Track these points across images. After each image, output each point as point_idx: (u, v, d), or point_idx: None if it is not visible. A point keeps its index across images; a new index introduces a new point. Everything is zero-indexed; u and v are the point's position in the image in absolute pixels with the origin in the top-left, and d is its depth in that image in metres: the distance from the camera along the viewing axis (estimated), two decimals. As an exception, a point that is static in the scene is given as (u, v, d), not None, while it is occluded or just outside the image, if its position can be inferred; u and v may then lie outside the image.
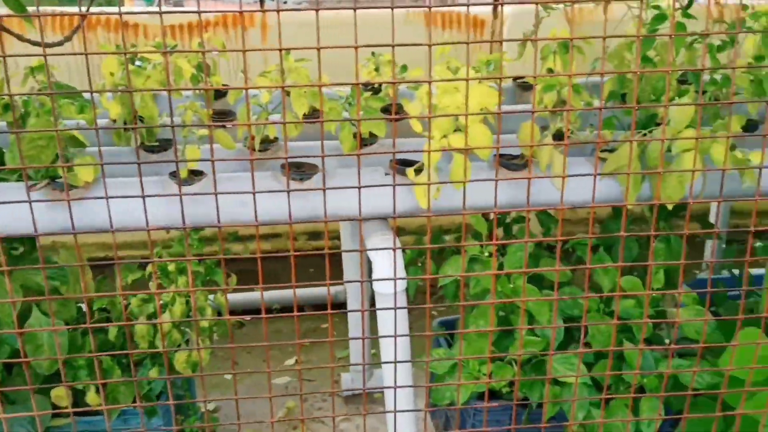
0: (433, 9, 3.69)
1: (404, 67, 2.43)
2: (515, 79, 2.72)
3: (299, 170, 1.92)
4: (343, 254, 2.83)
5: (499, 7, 3.68)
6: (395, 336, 1.40)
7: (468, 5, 1.54)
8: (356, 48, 1.21)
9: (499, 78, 1.51)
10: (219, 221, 1.50)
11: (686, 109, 1.84)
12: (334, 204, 1.87)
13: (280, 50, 1.23)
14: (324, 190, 1.32)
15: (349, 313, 2.74)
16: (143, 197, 1.26)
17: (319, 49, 1.18)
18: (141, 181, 1.27)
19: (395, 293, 1.78)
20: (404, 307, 1.66)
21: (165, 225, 1.84)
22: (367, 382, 2.78)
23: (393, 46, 1.22)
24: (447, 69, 2.10)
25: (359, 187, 1.30)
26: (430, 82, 1.36)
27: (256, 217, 1.38)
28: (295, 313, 1.43)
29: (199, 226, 1.89)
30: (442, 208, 1.89)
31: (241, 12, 1.20)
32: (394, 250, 1.83)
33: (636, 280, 1.93)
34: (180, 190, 1.29)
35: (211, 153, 1.31)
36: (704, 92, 2.29)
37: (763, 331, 1.81)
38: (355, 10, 1.20)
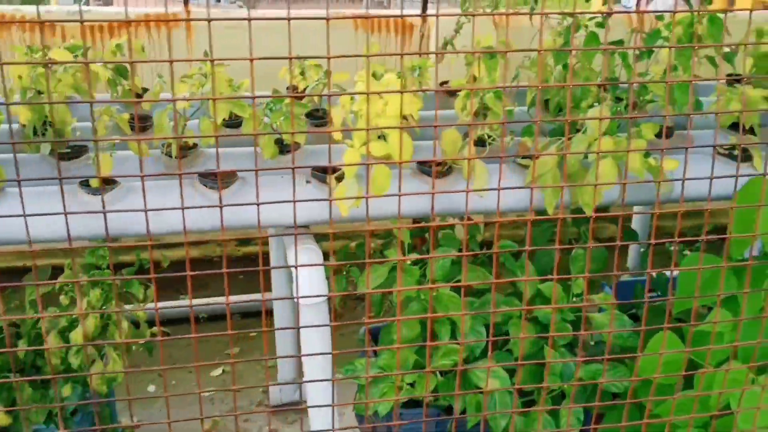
0: (358, 14, 3.67)
1: (327, 72, 2.40)
2: (442, 84, 2.72)
3: (216, 178, 1.86)
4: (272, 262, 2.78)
5: (428, 10, 3.69)
6: (315, 354, 1.38)
7: (401, 16, 1.53)
8: (290, 59, 1.15)
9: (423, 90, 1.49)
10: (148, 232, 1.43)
11: (603, 116, 1.87)
12: (251, 212, 1.83)
13: (212, 61, 1.17)
14: (258, 205, 1.27)
15: (276, 323, 2.69)
16: (65, 214, 1.18)
17: (252, 60, 1.11)
18: (63, 197, 1.18)
19: (315, 304, 1.75)
20: (323, 324, 1.63)
21: (79, 236, 1.77)
22: (294, 394, 2.74)
23: (329, 58, 1.18)
24: (372, 75, 2.09)
25: (294, 201, 1.26)
26: (368, 94, 1.34)
27: (185, 228, 1.32)
28: (229, 332, 1.37)
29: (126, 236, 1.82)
30: (364, 217, 1.87)
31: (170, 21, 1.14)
32: (319, 264, 1.80)
33: (556, 287, 1.95)
34: (102, 203, 1.23)
35: (141, 167, 1.26)
36: (621, 99, 2.34)
37: (673, 329, 1.86)
38: (288, 20, 1.15)
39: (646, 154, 1.96)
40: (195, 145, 2.08)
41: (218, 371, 2.98)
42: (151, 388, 2.87)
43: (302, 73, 2.59)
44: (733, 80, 2.58)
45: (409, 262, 1.91)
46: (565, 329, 1.94)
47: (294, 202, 1.24)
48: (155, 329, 2.30)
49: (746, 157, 2.13)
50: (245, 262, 3.78)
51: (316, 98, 2.46)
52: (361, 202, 1.86)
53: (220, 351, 3.08)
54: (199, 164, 2.01)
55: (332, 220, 1.42)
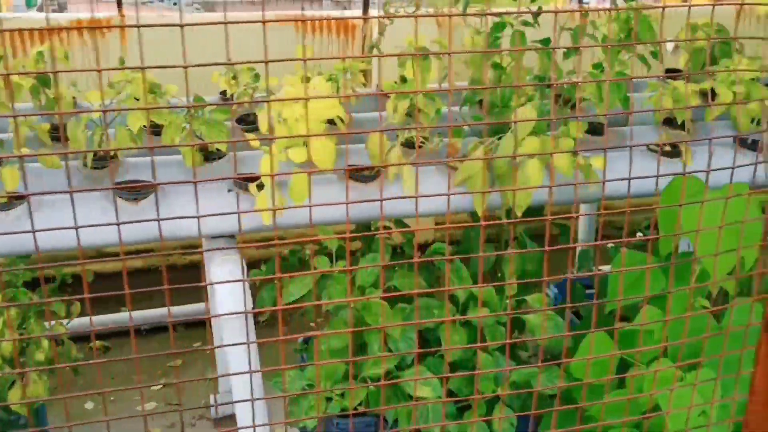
0: (299, 15, 3.61)
1: (257, 76, 2.35)
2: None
3: (134, 190, 1.80)
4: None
5: (369, 11, 3.65)
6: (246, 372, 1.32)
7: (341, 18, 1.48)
8: (232, 64, 1.09)
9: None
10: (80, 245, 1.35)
11: (529, 116, 1.85)
12: (173, 224, 1.77)
13: (142, 69, 1.09)
14: (198, 218, 1.21)
15: (214, 332, 2.62)
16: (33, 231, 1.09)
17: (186, 68, 1.04)
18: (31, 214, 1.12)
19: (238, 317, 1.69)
20: (242, 343, 1.58)
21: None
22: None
23: (266, 62, 1.11)
24: (300, 78, 2.04)
25: (238, 213, 1.20)
26: (306, 99, 1.29)
27: (121, 240, 1.25)
28: (173, 351, 1.30)
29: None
30: (289, 224, 1.83)
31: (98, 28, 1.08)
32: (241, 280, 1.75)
33: (489, 290, 1.92)
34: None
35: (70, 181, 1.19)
36: (560, 96, 2.32)
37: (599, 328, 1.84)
38: (225, 24, 1.07)
39: (573, 153, 1.95)
40: (115, 156, 2.02)
41: (159, 385, 2.90)
42: (89, 405, 2.78)
43: (234, 78, 2.53)
44: (672, 76, 2.59)
45: (337, 270, 1.87)
46: (498, 332, 1.91)
47: (198, 217, 1.18)
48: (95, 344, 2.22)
49: (676, 153, 2.13)
50: (191, 270, 3.70)
51: (247, 104, 2.40)
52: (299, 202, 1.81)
53: (162, 363, 3.00)
54: (119, 175, 1.95)
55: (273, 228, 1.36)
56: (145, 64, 1.04)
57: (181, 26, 1.06)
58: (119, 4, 3.45)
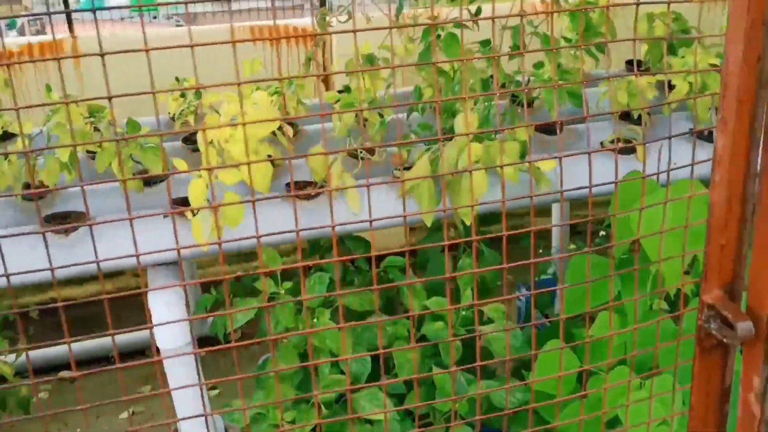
0: (259, 24, 3.55)
1: (198, 94, 2.28)
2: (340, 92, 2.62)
3: (65, 221, 1.73)
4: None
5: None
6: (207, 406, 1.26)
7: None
8: (153, 93, 1.02)
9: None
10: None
11: (471, 121, 1.79)
12: (107, 252, 1.71)
13: (65, 103, 1.02)
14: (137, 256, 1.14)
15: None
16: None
17: (110, 99, 0.96)
18: None
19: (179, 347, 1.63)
20: (187, 385, 1.51)
21: None
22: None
23: (239, 85, 1.04)
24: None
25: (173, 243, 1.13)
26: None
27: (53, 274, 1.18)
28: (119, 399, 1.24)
29: None
30: (230, 248, 1.76)
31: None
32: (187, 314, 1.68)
33: (443, 301, 1.86)
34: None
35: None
36: (517, 97, 2.26)
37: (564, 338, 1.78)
38: (192, 47, 1.00)
39: (522, 156, 1.89)
40: (46, 186, 1.95)
41: (126, 414, 2.84)
42: (55, 438, 2.72)
43: (183, 96, 2.47)
44: (633, 68, 2.53)
45: (283, 292, 1.80)
46: (455, 347, 1.85)
47: (136, 255, 1.12)
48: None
49: (630, 150, 2.07)
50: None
51: (192, 123, 2.33)
52: (222, 231, 1.75)
53: (130, 389, 2.93)
54: (56, 205, 1.88)
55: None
56: (95, 83, 0.97)
57: (101, 55, 0.99)
58: (69, 23, 3.39)
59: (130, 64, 1.49)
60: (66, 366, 2.92)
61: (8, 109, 0.89)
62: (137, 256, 1.08)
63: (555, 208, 2.91)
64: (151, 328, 1.16)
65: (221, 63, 1.83)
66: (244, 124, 1.14)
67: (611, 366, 1.77)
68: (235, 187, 1.67)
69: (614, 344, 1.78)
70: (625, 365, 1.71)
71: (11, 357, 1.99)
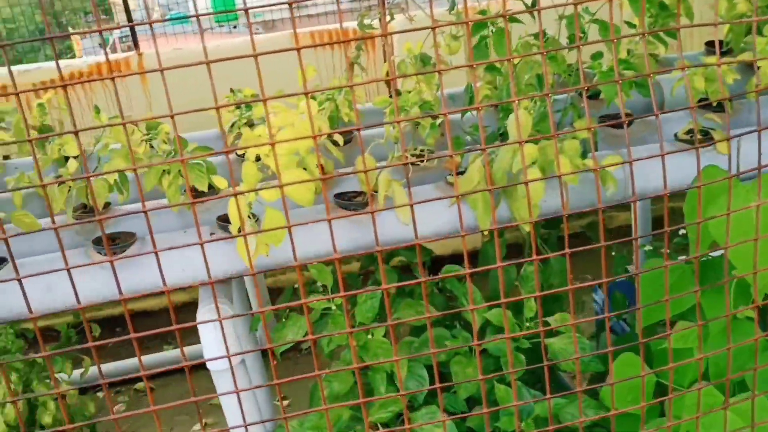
0: (319, 28, 3.51)
1: (249, 107, 2.25)
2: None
3: (114, 242, 1.72)
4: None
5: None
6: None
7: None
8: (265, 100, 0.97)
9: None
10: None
11: (524, 121, 1.66)
12: (154, 273, 1.69)
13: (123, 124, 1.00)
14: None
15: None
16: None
17: (172, 116, 0.93)
18: None
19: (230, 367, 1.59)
20: (231, 391, 1.47)
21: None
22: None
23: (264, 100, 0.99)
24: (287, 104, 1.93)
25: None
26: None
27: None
28: (194, 399, 1.23)
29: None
30: (274, 264, 1.71)
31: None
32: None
33: (505, 313, 1.75)
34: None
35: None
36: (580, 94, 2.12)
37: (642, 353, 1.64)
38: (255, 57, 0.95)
39: (583, 155, 1.75)
40: (107, 205, 1.96)
41: (198, 425, 2.85)
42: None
43: (238, 107, 2.45)
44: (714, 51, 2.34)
45: (334, 307, 1.74)
46: (517, 360, 1.73)
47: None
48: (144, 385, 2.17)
49: (707, 141, 1.89)
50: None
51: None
52: (269, 248, 1.70)
53: (205, 400, 2.95)
54: (108, 226, 1.88)
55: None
56: (162, 99, 0.94)
57: (207, 63, 0.93)
58: (135, 41, 3.44)
59: (197, 77, 1.51)
60: (132, 380, 2.96)
61: (63, 133, 0.86)
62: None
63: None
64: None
65: (280, 71, 1.78)
66: (273, 144, 1.07)
67: (691, 381, 1.61)
68: (278, 202, 1.61)
69: (694, 357, 1.62)
70: (707, 380, 1.55)
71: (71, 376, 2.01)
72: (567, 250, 1.07)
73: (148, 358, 3.08)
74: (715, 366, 1.63)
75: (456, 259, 2.98)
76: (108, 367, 2.91)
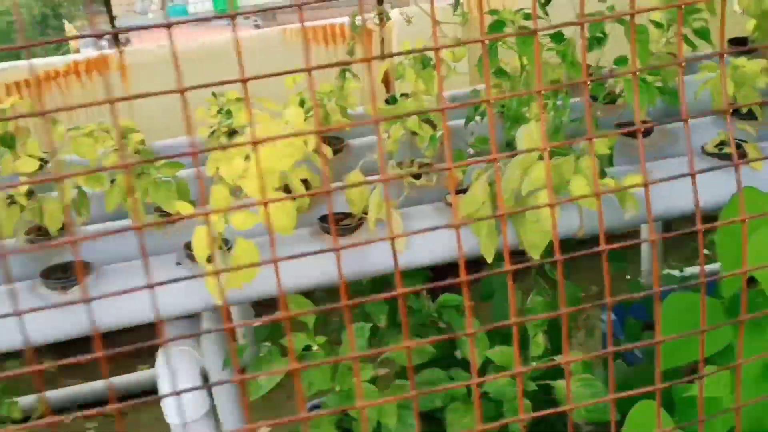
0: (311, 23, 3.29)
1: (230, 112, 2.04)
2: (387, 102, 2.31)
3: (65, 275, 1.52)
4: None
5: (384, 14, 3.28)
6: None
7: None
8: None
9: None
10: None
11: (534, 136, 1.46)
12: (116, 308, 1.49)
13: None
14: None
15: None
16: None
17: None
18: None
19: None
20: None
21: None
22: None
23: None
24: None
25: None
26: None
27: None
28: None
29: None
30: (250, 295, 1.51)
31: None
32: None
33: (508, 351, 1.55)
34: None
35: None
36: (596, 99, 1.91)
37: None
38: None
39: (602, 174, 1.54)
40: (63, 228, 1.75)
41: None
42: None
43: (220, 112, 2.24)
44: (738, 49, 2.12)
45: (315, 348, 1.53)
46: (523, 406, 1.53)
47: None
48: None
49: (740, 155, 1.68)
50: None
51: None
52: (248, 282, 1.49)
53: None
54: (62, 252, 1.68)
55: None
56: (142, 101, 0.79)
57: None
58: (116, 39, 3.23)
59: (185, 75, 1.31)
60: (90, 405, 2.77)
61: None
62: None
63: (644, 227, 2.52)
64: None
65: (270, 70, 1.58)
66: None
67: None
68: (252, 230, 1.40)
69: (722, 408, 1.43)
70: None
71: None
72: (559, 257, 0.86)
73: (119, 380, 2.88)
74: (748, 419, 1.43)
75: (457, 269, 2.77)
76: (81, 388, 2.72)
